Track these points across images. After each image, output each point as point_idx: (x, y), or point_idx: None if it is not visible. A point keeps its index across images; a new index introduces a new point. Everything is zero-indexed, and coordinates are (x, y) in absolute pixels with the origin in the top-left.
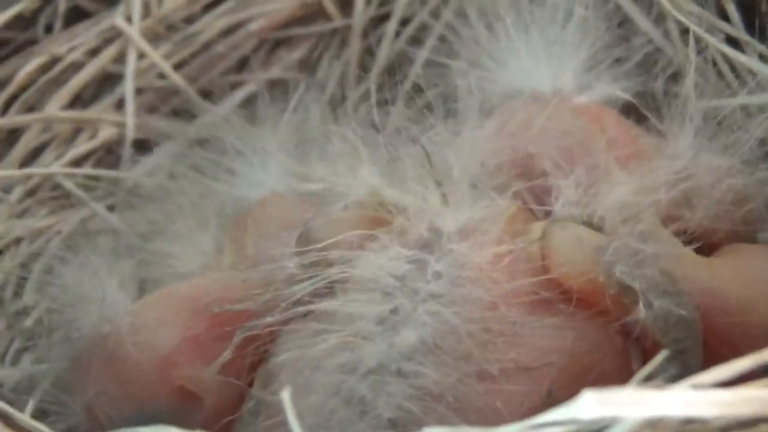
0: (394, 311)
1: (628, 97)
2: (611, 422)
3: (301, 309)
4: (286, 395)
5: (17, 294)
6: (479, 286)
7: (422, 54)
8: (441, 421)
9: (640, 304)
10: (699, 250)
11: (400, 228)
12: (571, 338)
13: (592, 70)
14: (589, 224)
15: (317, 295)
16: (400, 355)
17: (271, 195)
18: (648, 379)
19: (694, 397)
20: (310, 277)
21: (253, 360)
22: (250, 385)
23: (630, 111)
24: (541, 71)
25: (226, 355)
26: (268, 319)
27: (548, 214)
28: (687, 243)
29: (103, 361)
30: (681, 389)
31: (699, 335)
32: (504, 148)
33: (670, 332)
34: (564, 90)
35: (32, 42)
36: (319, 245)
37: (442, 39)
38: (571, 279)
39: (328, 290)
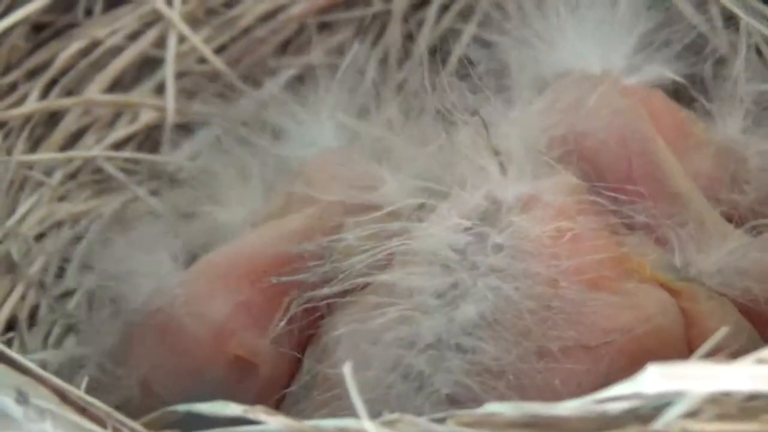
0: (454, 285)
1: (678, 78)
2: (675, 397)
3: (359, 281)
4: (347, 370)
5: (59, 277)
6: (540, 261)
7: (470, 29)
8: (500, 398)
9: None
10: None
11: (457, 197)
12: (633, 318)
13: (640, 52)
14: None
15: (375, 267)
16: (459, 330)
17: (324, 151)
18: (710, 354)
19: (759, 371)
20: (369, 249)
21: (307, 332)
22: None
23: (678, 94)
24: (590, 52)
25: (282, 325)
26: (325, 291)
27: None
28: (736, 226)
29: (158, 334)
30: (746, 364)
31: None
32: (556, 125)
33: None
34: (613, 71)
35: (72, 25)
36: (377, 213)
37: (485, 21)
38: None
39: (387, 263)
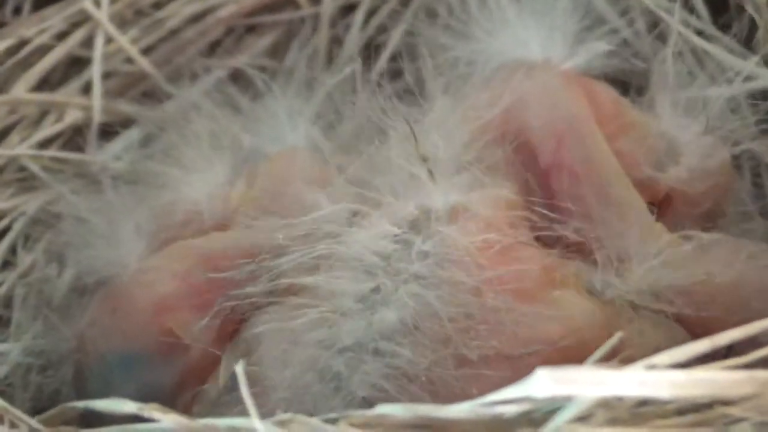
0: (375, 290)
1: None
2: (565, 401)
3: (285, 282)
4: (239, 369)
5: None
6: (464, 270)
7: (399, 31)
8: (414, 402)
9: None
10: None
11: (389, 205)
12: (558, 329)
13: (582, 43)
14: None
15: (302, 269)
16: (378, 334)
17: (289, 149)
18: (605, 359)
19: (648, 377)
20: (297, 251)
21: (236, 327)
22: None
23: (616, 83)
24: (532, 41)
25: (204, 323)
26: (248, 290)
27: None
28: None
29: (104, 295)
30: (636, 370)
31: None
32: (494, 116)
33: None
34: (554, 59)
35: (0, 24)
36: (309, 218)
37: (419, 14)
38: None
39: (314, 266)
